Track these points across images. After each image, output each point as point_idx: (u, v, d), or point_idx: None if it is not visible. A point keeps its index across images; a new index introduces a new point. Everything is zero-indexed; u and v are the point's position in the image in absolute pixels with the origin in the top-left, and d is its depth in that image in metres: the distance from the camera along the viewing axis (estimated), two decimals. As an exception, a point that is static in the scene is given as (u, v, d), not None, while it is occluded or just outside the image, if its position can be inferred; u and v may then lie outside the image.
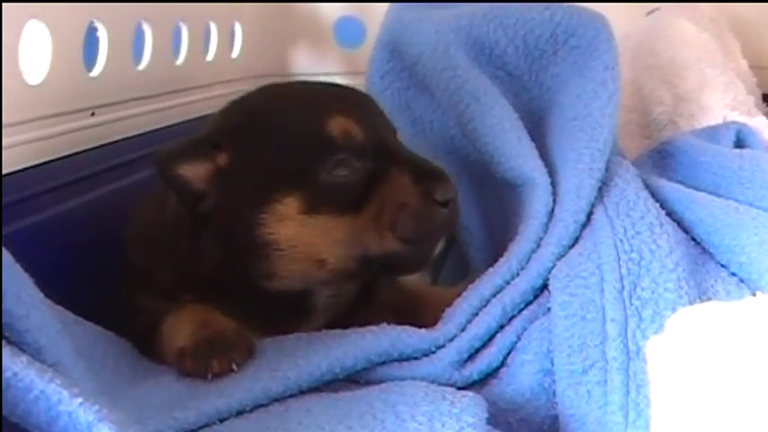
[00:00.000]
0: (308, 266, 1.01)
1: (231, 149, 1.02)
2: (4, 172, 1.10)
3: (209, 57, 1.81)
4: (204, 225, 1.03)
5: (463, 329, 1.02)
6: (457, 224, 1.08)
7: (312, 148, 1.01)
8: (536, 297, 1.05)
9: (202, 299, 1.05)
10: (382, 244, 1.00)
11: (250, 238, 1.00)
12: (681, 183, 1.26)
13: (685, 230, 1.14)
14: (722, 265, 1.09)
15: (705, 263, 1.09)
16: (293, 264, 1.01)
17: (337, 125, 1.01)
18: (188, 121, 1.62)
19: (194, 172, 1.01)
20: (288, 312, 1.07)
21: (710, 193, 1.21)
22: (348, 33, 2.10)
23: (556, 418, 0.93)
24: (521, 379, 0.97)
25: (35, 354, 0.71)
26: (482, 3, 1.37)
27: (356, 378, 0.97)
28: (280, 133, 1.03)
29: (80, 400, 0.65)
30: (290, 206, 0.99)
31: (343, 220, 1.00)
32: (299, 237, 1.00)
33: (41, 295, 0.78)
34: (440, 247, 1.04)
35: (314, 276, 1.02)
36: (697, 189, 1.22)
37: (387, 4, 1.48)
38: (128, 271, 1.13)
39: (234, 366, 0.92)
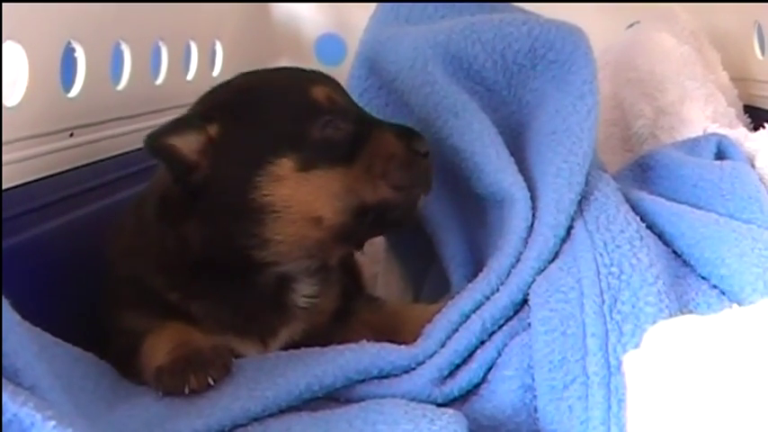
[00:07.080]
0: (303, 227, 1.03)
1: (222, 121, 1.05)
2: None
3: (190, 76, 1.81)
4: (194, 200, 1.04)
5: (443, 346, 1.02)
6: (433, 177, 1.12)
7: (300, 112, 1.06)
8: (516, 312, 1.05)
9: (188, 296, 1.07)
10: (376, 192, 1.05)
11: (245, 203, 1.02)
12: (661, 195, 1.26)
13: (666, 243, 1.14)
14: (703, 278, 1.09)
15: (686, 276, 1.10)
16: (289, 226, 1.03)
17: (321, 92, 1.08)
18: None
19: (185, 143, 1.03)
20: (268, 307, 1.09)
21: (691, 205, 1.21)
22: (329, 51, 2.11)
23: (538, 434, 0.93)
24: (502, 395, 0.96)
25: (11, 377, 0.71)
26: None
27: (336, 396, 0.97)
28: (268, 102, 1.08)
29: (53, 423, 0.65)
30: (284, 166, 1.02)
31: (338, 172, 1.04)
32: (296, 195, 1.03)
33: (18, 317, 0.77)
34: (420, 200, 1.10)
35: (309, 239, 1.05)
36: (678, 201, 1.22)
37: (368, 22, 1.48)
38: (109, 290, 1.13)
39: (211, 381, 0.92)
